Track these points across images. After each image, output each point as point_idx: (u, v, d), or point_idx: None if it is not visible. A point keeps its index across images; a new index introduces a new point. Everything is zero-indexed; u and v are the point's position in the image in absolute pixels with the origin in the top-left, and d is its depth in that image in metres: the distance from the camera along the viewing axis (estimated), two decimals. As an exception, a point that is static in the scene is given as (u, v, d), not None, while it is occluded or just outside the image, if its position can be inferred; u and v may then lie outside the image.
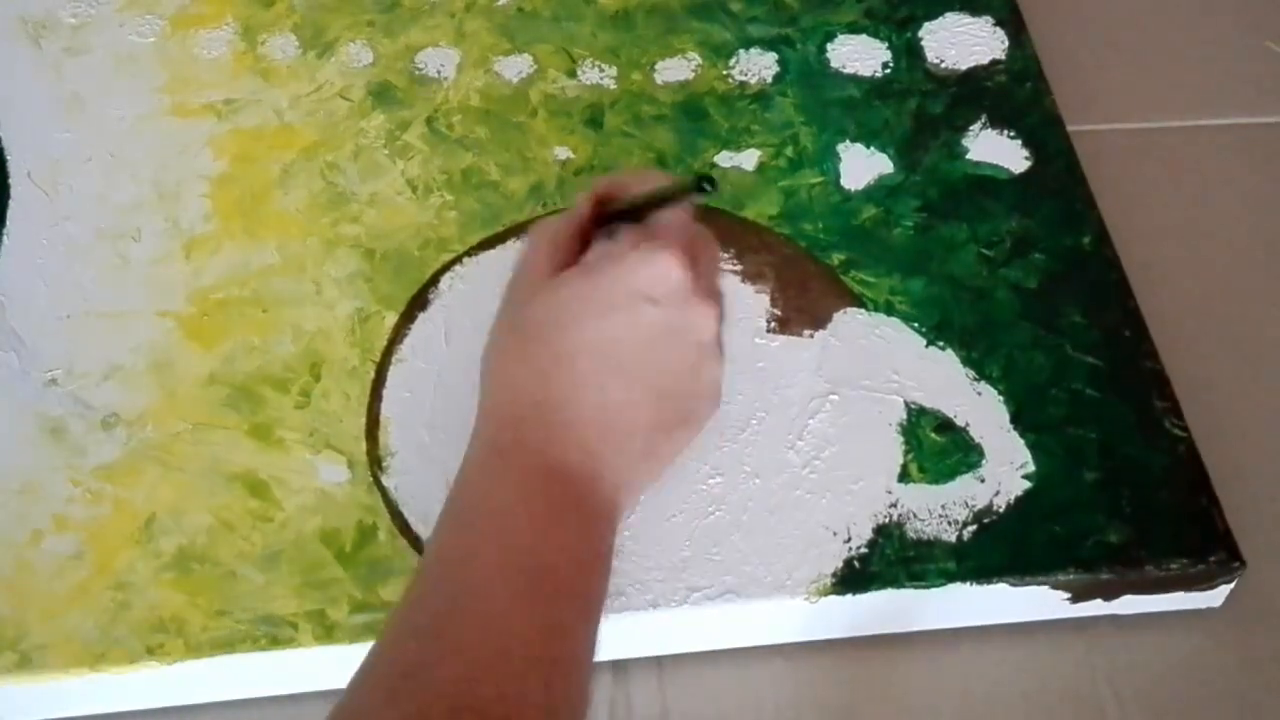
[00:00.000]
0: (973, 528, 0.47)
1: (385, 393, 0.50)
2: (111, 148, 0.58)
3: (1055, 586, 0.46)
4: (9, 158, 0.57)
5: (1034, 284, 0.53)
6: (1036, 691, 0.45)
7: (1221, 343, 0.54)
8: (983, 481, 0.48)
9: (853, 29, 0.62)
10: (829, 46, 0.61)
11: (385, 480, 0.48)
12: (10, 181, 0.56)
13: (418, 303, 0.53)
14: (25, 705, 0.44)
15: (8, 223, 0.55)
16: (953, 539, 0.46)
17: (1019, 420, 0.49)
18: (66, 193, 0.56)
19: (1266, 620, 0.47)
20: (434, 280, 0.53)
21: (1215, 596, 0.47)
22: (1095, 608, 0.47)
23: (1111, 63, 0.65)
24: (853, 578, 0.45)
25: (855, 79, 0.60)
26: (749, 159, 0.57)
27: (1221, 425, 0.51)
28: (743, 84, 0.60)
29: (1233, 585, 0.47)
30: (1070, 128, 0.59)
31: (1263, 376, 0.53)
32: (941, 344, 0.51)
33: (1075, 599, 0.46)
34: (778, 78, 0.60)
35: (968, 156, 0.57)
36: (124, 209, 0.56)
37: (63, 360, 0.51)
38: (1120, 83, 0.64)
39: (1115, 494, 0.47)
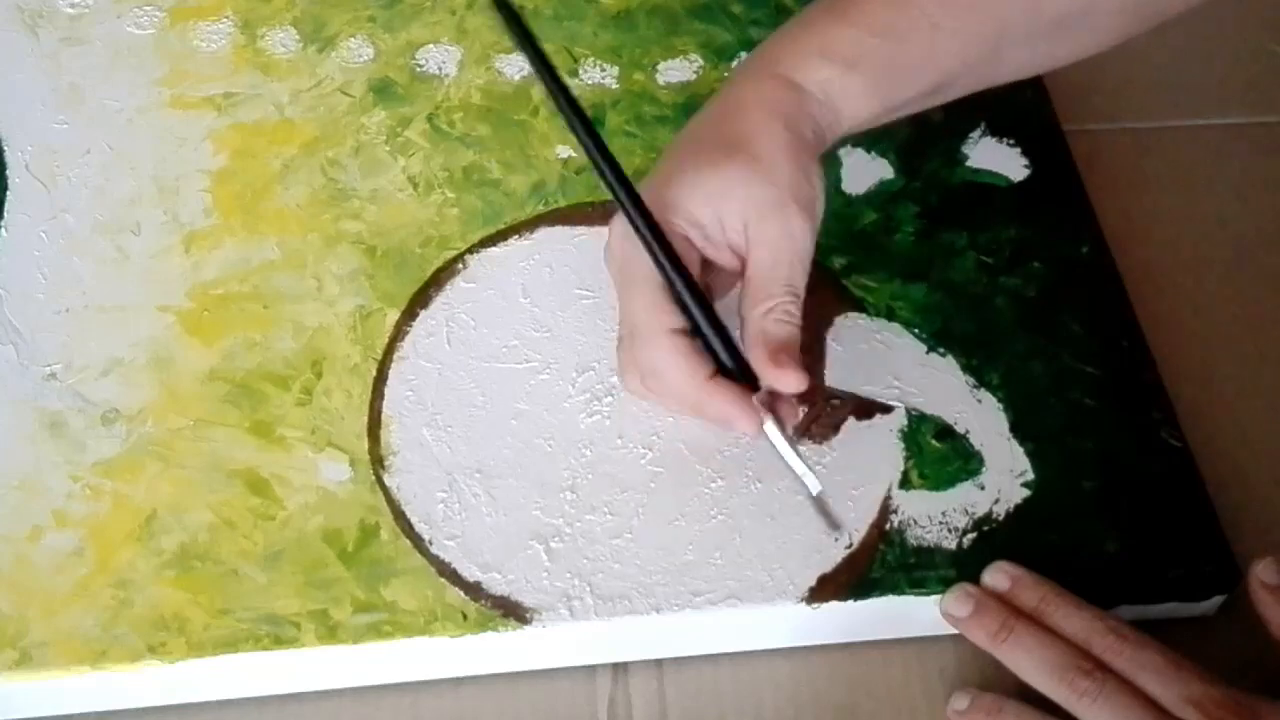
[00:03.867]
0: (973, 535, 0.47)
1: (387, 391, 0.50)
2: (110, 140, 0.57)
3: (1053, 594, 0.46)
4: (6, 149, 0.57)
5: (1033, 292, 0.54)
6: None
7: (1220, 351, 0.54)
8: (983, 489, 0.48)
9: (854, 33, 0.62)
10: (830, 50, 0.61)
11: (387, 479, 0.48)
12: (8, 173, 0.56)
13: (419, 300, 0.53)
14: (25, 703, 0.44)
15: (6, 215, 0.55)
16: (953, 546, 0.47)
17: (1018, 428, 0.50)
18: (65, 185, 0.56)
19: (1260, 627, 0.47)
20: (435, 278, 0.53)
21: (1210, 605, 0.47)
22: (1091, 615, 0.47)
23: (1111, 63, 0.65)
24: (854, 584, 0.46)
25: (856, 83, 0.60)
26: (750, 161, 0.57)
27: (1218, 434, 0.51)
28: (744, 86, 0.60)
29: (1226, 594, 0.47)
30: (1069, 128, 0.59)
31: (1261, 385, 0.54)
32: (942, 350, 0.52)
33: (1072, 606, 0.47)
34: (779, 80, 0.60)
35: (967, 163, 0.58)
36: (123, 202, 0.55)
37: (61, 354, 0.51)
38: (1120, 83, 0.65)
39: (1112, 503, 0.48)
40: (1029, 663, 0.43)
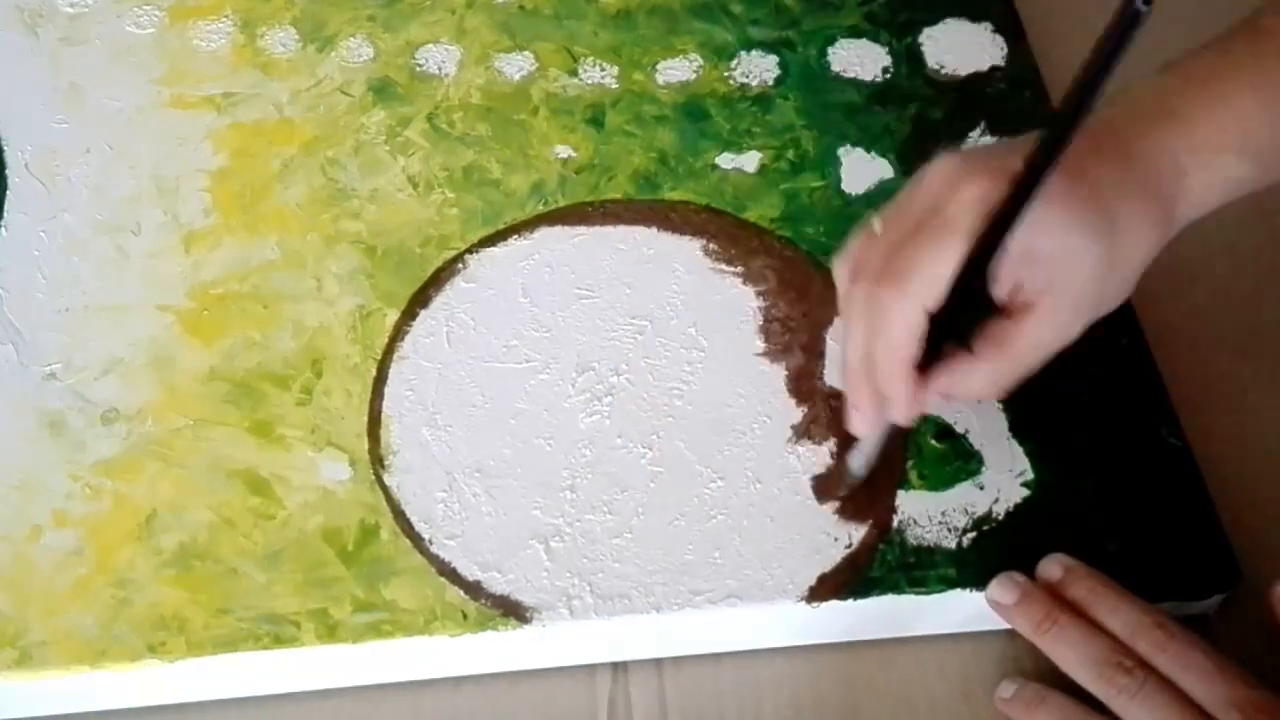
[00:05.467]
0: (972, 534, 0.47)
1: (387, 390, 0.50)
2: (110, 139, 0.57)
3: (1053, 593, 0.46)
4: (6, 148, 0.57)
5: (1033, 291, 0.53)
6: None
7: (1220, 351, 0.54)
8: (982, 489, 0.48)
9: (854, 33, 0.62)
10: (830, 50, 0.61)
11: (387, 479, 0.48)
12: (8, 172, 0.56)
13: (419, 300, 0.53)
14: (25, 702, 0.44)
15: (5, 214, 0.55)
16: (952, 545, 0.47)
17: (1018, 428, 0.50)
18: (64, 184, 0.56)
19: (1259, 625, 0.47)
20: (435, 278, 0.53)
21: (1209, 604, 0.48)
22: (1091, 614, 0.47)
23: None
24: (854, 583, 0.46)
25: (856, 83, 0.60)
26: (750, 161, 0.57)
27: (1218, 433, 0.51)
28: (744, 86, 0.60)
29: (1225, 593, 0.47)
30: (1068, 132, 0.59)
31: (1261, 385, 0.54)
32: (941, 350, 0.52)
33: (1072, 606, 0.47)
34: (779, 80, 0.60)
35: (967, 163, 0.58)
36: (122, 201, 0.55)
37: (61, 354, 0.51)
38: (1120, 83, 0.64)
39: (1112, 503, 0.48)
40: (1071, 655, 0.43)
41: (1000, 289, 0.41)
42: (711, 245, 0.54)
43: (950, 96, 0.60)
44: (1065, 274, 0.41)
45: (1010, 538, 0.47)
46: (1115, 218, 0.41)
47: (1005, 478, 0.48)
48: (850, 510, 0.47)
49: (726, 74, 0.61)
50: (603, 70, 0.61)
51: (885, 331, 0.41)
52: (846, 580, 0.46)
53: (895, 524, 0.47)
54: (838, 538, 0.47)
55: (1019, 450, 0.49)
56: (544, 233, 0.55)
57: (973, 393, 0.43)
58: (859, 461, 0.47)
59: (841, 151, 0.58)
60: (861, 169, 0.57)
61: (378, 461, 0.48)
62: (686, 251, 0.54)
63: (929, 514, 0.47)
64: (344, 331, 0.52)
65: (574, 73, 0.61)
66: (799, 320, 0.52)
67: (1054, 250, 0.41)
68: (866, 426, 0.45)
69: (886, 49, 0.62)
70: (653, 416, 0.49)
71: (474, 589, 0.45)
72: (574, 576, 0.46)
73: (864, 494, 0.47)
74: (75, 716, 0.45)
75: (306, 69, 0.60)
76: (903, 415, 0.43)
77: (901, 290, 0.41)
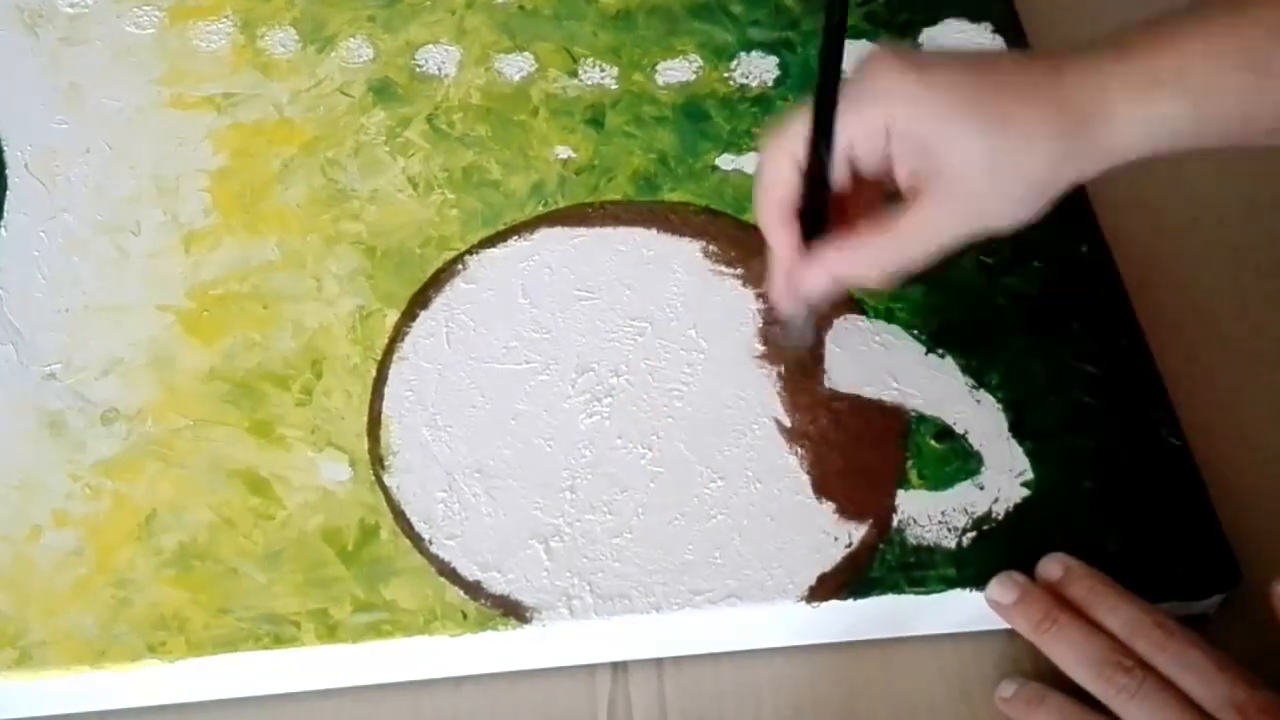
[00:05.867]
0: (972, 534, 0.47)
1: (387, 391, 0.50)
2: (110, 139, 0.57)
3: (1052, 593, 0.46)
4: (6, 149, 0.57)
5: (1032, 292, 0.54)
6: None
7: (1220, 351, 0.55)
8: (982, 489, 0.48)
9: (854, 33, 0.62)
10: (830, 51, 0.61)
11: (387, 479, 0.48)
12: (8, 173, 0.56)
13: (419, 301, 0.53)
14: (25, 702, 0.44)
15: (5, 214, 0.55)
16: (952, 545, 0.47)
17: (1018, 428, 0.50)
18: (64, 184, 0.56)
19: (1259, 625, 0.47)
20: (435, 279, 0.53)
21: (1209, 604, 0.48)
22: (1091, 614, 0.47)
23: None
24: (853, 583, 0.46)
25: (856, 84, 0.60)
26: (750, 162, 0.57)
27: (1218, 433, 0.51)
28: (744, 86, 0.60)
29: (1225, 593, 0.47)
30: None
31: (1261, 385, 0.54)
32: (941, 351, 0.52)
33: (1072, 606, 0.47)
34: (779, 81, 0.60)
35: (967, 163, 0.58)
36: (122, 202, 0.55)
37: (61, 354, 0.51)
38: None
39: (1112, 503, 0.48)
40: (1070, 655, 0.43)
41: (899, 175, 0.44)
42: (711, 247, 0.54)
43: (950, 97, 0.60)
44: (948, 161, 0.42)
45: (1010, 538, 0.47)
46: (1008, 117, 0.42)
47: (1005, 478, 0.48)
48: (850, 510, 0.47)
49: (726, 75, 0.61)
50: (602, 71, 0.61)
51: (759, 176, 0.45)
52: (846, 580, 0.46)
53: (895, 524, 0.47)
54: (838, 537, 0.47)
55: (1019, 450, 0.49)
56: (544, 234, 0.55)
57: (857, 271, 0.45)
58: (792, 337, 0.49)
59: (841, 152, 0.58)
60: (861, 169, 0.57)
61: (378, 462, 0.48)
62: (686, 253, 0.54)
63: (929, 514, 0.47)
64: (344, 332, 0.52)
65: (574, 73, 0.61)
66: (799, 321, 0.52)
67: (931, 133, 0.42)
68: (781, 298, 0.47)
69: (886, 50, 0.62)
70: (652, 417, 0.49)
71: (474, 589, 0.45)
72: (574, 576, 0.46)
73: (862, 485, 0.48)
74: (75, 716, 0.45)
75: (306, 69, 0.60)
76: (784, 262, 0.45)
77: (774, 139, 0.45)
